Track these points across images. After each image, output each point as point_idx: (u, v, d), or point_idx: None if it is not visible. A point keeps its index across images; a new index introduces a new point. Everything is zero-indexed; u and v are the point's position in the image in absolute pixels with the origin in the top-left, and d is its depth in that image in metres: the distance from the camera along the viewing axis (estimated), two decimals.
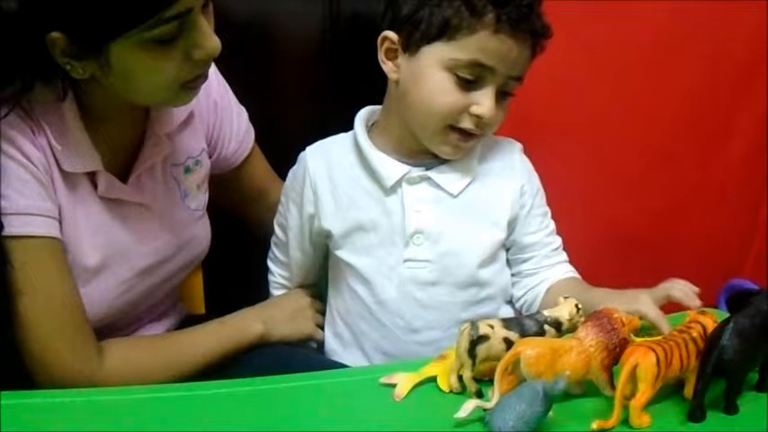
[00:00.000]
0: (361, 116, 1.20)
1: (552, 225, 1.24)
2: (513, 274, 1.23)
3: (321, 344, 1.27)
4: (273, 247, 1.30)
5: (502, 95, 1.11)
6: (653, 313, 1.07)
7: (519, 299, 1.23)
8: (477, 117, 1.10)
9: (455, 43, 1.08)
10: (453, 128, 1.11)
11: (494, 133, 1.19)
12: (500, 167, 1.19)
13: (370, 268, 1.17)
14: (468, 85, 1.09)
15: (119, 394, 1.00)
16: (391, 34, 1.12)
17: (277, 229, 1.28)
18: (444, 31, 1.08)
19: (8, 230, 1.02)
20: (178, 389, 1.02)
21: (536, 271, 1.22)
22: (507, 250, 1.22)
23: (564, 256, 1.24)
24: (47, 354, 1.06)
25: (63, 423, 0.93)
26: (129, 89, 1.04)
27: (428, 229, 1.15)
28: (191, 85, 1.06)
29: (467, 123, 1.11)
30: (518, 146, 1.23)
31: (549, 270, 1.22)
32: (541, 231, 1.22)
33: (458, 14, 1.07)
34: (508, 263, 1.23)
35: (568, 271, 1.23)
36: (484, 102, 1.09)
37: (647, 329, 1.07)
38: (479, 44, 1.07)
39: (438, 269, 1.16)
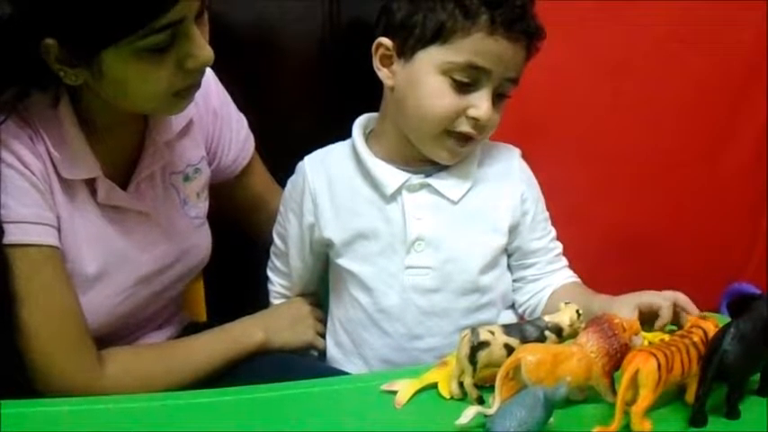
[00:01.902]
0: (359, 124, 1.21)
1: (554, 231, 1.24)
2: (515, 280, 1.23)
3: (322, 352, 1.27)
4: (273, 257, 1.30)
5: (498, 98, 1.12)
6: (655, 297, 1.09)
7: (522, 304, 1.23)
8: (474, 120, 1.10)
9: (450, 46, 1.08)
10: (450, 133, 1.12)
11: (493, 137, 1.19)
12: (499, 173, 1.19)
13: (371, 276, 1.17)
14: (464, 88, 1.09)
15: (119, 402, 1.00)
16: (386, 40, 1.13)
17: (276, 239, 1.28)
18: (439, 35, 1.08)
19: (7, 239, 1.02)
20: (179, 396, 1.02)
21: (540, 276, 1.22)
22: (510, 256, 1.22)
23: (565, 261, 1.24)
24: (47, 362, 1.06)
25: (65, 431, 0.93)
26: (120, 97, 1.05)
27: (429, 236, 1.15)
28: (183, 93, 1.06)
29: (464, 127, 1.11)
30: (517, 151, 1.23)
31: (552, 275, 1.22)
32: (545, 237, 1.22)
33: (452, 18, 1.07)
34: (509, 268, 1.23)
35: (570, 276, 1.23)
36: (480, 104, 1.09)
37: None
38: (474, 46, 1.08)
39: (439, 276, 1.16)
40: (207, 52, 1.03)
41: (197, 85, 1.07)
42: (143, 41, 0.97)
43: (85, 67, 1.00)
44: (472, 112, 1.10)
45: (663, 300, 1.09)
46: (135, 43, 0.97)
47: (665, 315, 1.08)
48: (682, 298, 1.10)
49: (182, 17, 0.98)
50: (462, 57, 1.08)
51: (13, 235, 1.02)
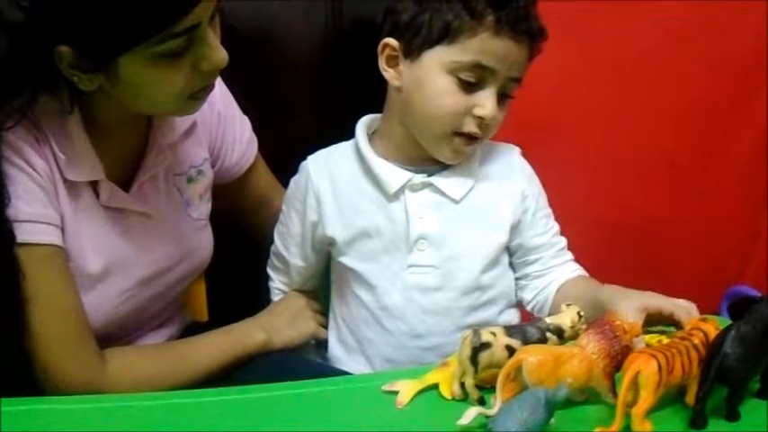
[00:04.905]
0: (363, 124, 1.22)
1: (557, 226, 1.25)
2: (520, 278, 1.24)
3: (322, 342, 1.27)
4: (273, 257, 1.31)
5: (501, 98, 1.13)
6: (667, 304, 1.08)
7: (530, 302, 1.24)
8: (480, 119, 1.11)
9: (457, 46, 1.10)
10: (457, 133, 1.12)
11: (497, 136, 1.20)
12: (500, 171, 1.21)
13: (374, 274, 1.18)
14: (469, 87, 1.11)
15: (121, 401, 1.00)
16: (392, 41, 1.14)
17: (277, 239, 1.28)
18: (446, 35, 1.10)
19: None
20: (180, 396, 1.03)
21: (544, 272, 1.22)
22: (513, 254, 1.23)
23: (570, 255, 1.25)
24: (49, 360, 1.06)
25: (65, 430, 0.93)
26: (136, 101, 1.05)
27: (431, 235, 1.16)
28: (197, 95, 1.06)
29: (470, 126, 1.12)
30: (517, 150, 1.24)
31: (557, 270, 1.23)
32: (547, 233, 1.23)
33: (459, 18, 1.09)
34: (512, 266, 1.23)
35: (576, 269, 1.24)
36: (486, 103, 1.11)
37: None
38: (480, 46, 1.09)
39: (441, 274, 1.17)
40: (221, 54, 1.03)
41: (211, 87, 1.08)
42: (160, 47, 0.97)
43: (101, 72, 1.00)
44: (478, 111, 1.11)
45: (675, 307, 1.08)
46: (151, 48, 0.97)
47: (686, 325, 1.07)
48: (695, 312, 1.08)
49: (198, 21, 0.98)
50: (469, 56, 1.09)
51: (18, 234, 1.02)
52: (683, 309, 1.08)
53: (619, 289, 1.13)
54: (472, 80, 1.10)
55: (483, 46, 1.09)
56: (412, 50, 1.12)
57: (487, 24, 1.08)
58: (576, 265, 1.24)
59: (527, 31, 1.11)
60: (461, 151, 1.15)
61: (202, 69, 1.02)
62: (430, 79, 1.11)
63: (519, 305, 1.26)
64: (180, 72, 1.01)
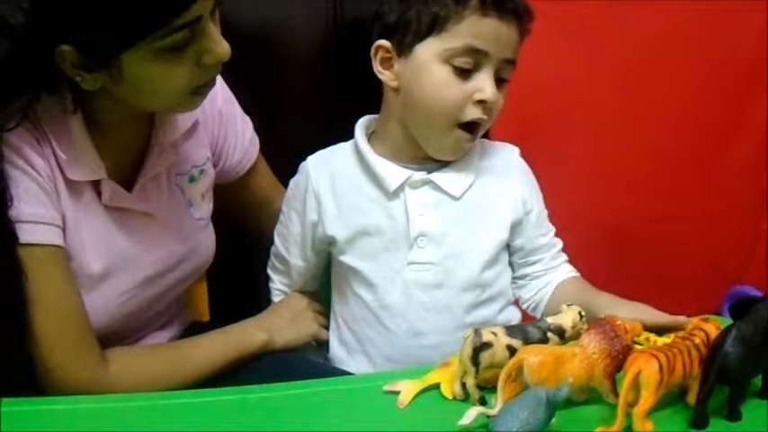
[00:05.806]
0: (361, 124, 1.22)
1: (553, 227, 1.25)
2: (520, 277, 1.25)
3: (323, 343, 1.27)
4: (273, 258, 1.31)
5: (498, 82, 1.13)
6: (658, 319, 1.08)
7: (526, 301, 1.25)
8: (482, 103, 1.12)
9: (446, 34, 1.11)
10: (460, 124, 1.13)
11: (495, 136, 1.20)
12: (499, 170, 1.21)
13: (374, 272, 1.18)
14: (466, 74, 1.11)
15: (122, 401, 1.00)
16: (384, 42, 1.15)
17: (277, 239, 1.29)
18: (434, 26, 1.11)
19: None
20: (182, 396, 1.03)
21: (544, 273, 1.24)
22: (513, 254, 1.23)
23: (565, 256, 1.26)
24: (51, 360, 1.06)
25: (66, 430, 0.93)
26: (140, 98, 1.05)
27: (432, 232, 1.16)
28: (200, 90, 1.07)
29: (472, 114, 1.12)
30: (516, 149, 1.25)
31: (554, 271, 1.24)
32: (548, 234, 1.24)
33: (444, 7, 1.10)
34: (512, 266, 1.24)
35: (570, 271, 1.25)
36: (485, 86, 1.11)
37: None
38: (469, 29, 1.10)
39: (442, 271, 1.17)
40: (224, 47, 1.03)
41: (213, 82, 1.08)
42: (162, 41, 0.97)
43: (104, 70, 1.00)
44: (478, 96, 1.12)
45: (666, 321, 1.08)
46: (154, 43, 0.97)
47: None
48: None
49: (199, 15, 0.98)
50: (460, 41, 1.10)
51: (20, 234, 1.02)
52: (673, 323, 1.08)
53: (611, 301, 1.14)
54: (467, 66, 1.11)
55: (472, 29, 1.10)
56: (404, 48, 1.13)
57: (473, 7, 1.10)
58: (571, 267, 1.26)
59: (513, 11, 1.12)
60: (462, 146, 1.16)
61: (205, 63, 1.02)
62: (426, 72, 1.12)
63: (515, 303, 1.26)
64: (183, 67, 1.01)
